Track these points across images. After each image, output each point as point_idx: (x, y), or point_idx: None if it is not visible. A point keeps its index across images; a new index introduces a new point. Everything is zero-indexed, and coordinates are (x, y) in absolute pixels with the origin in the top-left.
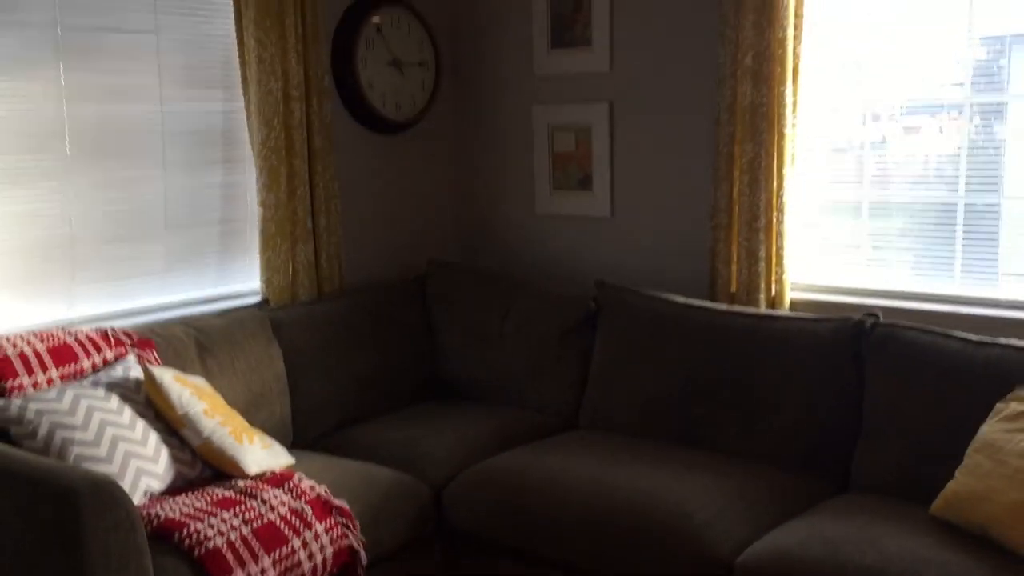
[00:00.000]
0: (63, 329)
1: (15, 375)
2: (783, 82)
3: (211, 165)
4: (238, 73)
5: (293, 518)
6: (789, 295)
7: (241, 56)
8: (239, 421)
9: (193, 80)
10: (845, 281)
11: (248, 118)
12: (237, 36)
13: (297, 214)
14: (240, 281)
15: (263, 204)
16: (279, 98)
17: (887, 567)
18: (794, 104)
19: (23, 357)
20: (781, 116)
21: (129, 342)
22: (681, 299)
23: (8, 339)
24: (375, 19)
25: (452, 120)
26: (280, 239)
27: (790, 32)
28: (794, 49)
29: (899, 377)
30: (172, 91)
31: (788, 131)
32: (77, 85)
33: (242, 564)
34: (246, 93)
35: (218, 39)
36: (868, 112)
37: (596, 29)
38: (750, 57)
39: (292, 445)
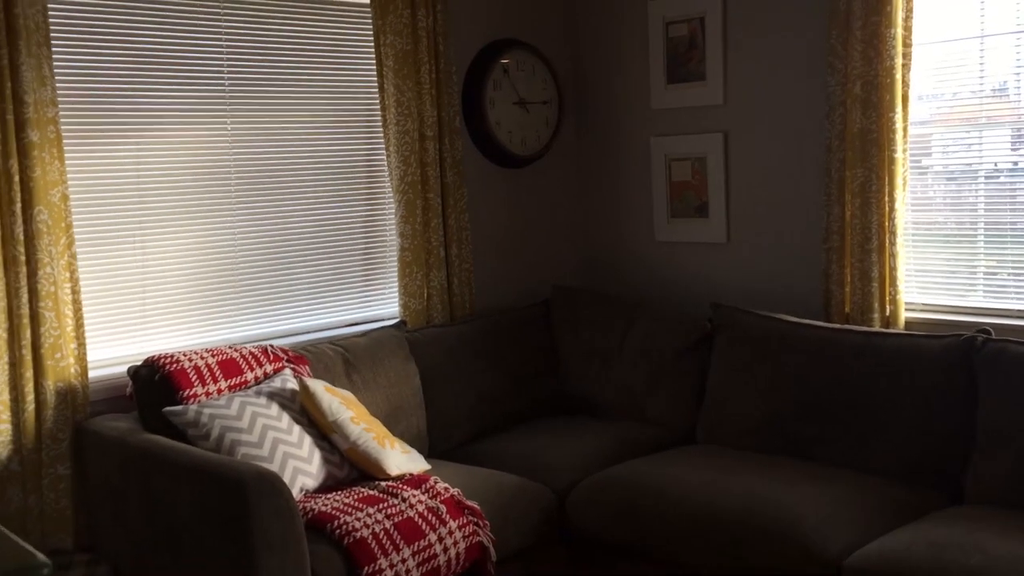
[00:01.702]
0: (230, 346)
1: (191, 385)
2: (892, 108)
3: (354, 200)
4: (379, 116)
5: (430, 515)
6: (904, 315)
7: (381, 101)
8: (381, 429)
9: (339, 123)
10: (961, 301)
11: (387, 156)
12: (378, 83)
13: (431, 244)
14: (380, 305)
15: (401, 235)
16: (415, 138)
17: (991, 568)
18: (904, 129)
19: (197, 370)
20: (891, 141)
21: (285, 358)
22: (793, 318)
23: (185, 354)
24: (502, 62)
25: (575, 154)
26: (416, 267)
27: (898, 61)
28: (903, 77)
29: (1011, 391)
30: (321, 134)
31: (898, 155)
32: (241, 131)
33: (385, 553)
34: (385, 134)
35: (361, 86)
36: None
37: (710, 64)
38: (859, 86)
39: (427, 454)
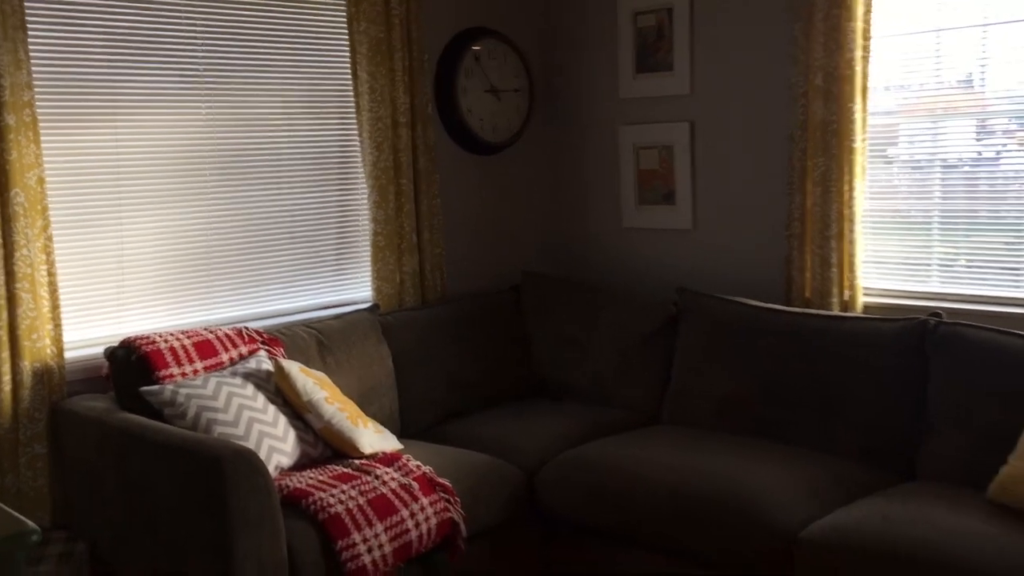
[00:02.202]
0: (205, 328)
1: (167, 366)
2: (852, 99)
3: (328, 185)
4: (352, 102)
5: (402, 492)
6: (862, 300)
7: (355, 87)
8: (355, 409)
9: (313, 110)
10: (918, 287)
11: (361, 142)
12: (351, 70)
13: (404, 229)
14: (353, 289)
15: (374, 220)
16: (388, 124)
17: (936, 539)
18: (863, 120)
19: (173, 351)
20: (850, 132)
21: (260, 340)
22: (756, 303)
23: (161, 336)
24: (474, 50)
25: (545, 141)
26: (389, 251)
27: (858, 53)
28: (863, 69)
29: (961, 372)
30: (295, 119)
31: (857, 145)
32: (216, 116)
33: (359, 528)
34: (359, 120)
35: (334, 73)
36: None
37: (677, 55)
38: (820, 77)
39: (400, 435)
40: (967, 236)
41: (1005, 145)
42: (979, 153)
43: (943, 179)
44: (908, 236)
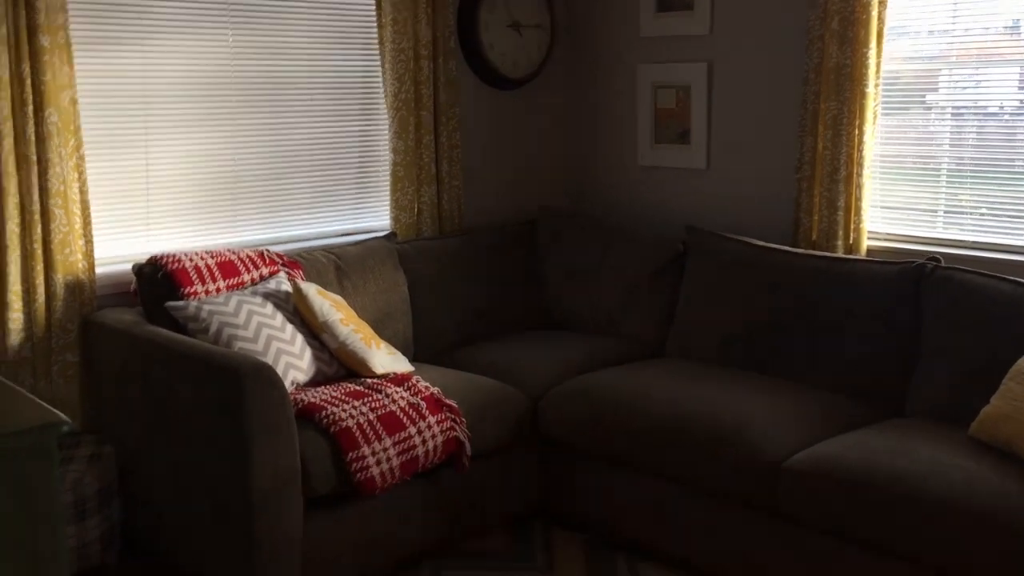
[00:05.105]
0: (229, 249)
1: (191, 283)
2: (867, 44)
3: (350, 115)
4: (375, 34)
5: (410, 410)
6: (866, 243)
7: (378, 19)
8: (368, 331)
9: (337, 40)
10: (922, 232)
11: (383, 74)
12: (375, 2)
13: (423, 160)
14: (372, 217)
15: (394, 150)
16: (410, 56)
17: (914, 470)
18: (877, 65)
19: (198, 269)
20: (864, 76)
21: (280, 262)
22: (761, 243)
23: (186, 255)
24: None
25: (564, 78)
26: (408, 182)
27: None
28: (879, 14)
29: (953, 314)
30: (319, 49)
31: (870, 90)
32: (242, 44)
33: (368, 442)
34: (382, 52)
35: (359, 5)
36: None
37: None
38: (837, 21)
39: (412, 359)
40: (999, 185)
41: None
42: (1022, 102)
43: (972, 127)
44: (921, 182)
